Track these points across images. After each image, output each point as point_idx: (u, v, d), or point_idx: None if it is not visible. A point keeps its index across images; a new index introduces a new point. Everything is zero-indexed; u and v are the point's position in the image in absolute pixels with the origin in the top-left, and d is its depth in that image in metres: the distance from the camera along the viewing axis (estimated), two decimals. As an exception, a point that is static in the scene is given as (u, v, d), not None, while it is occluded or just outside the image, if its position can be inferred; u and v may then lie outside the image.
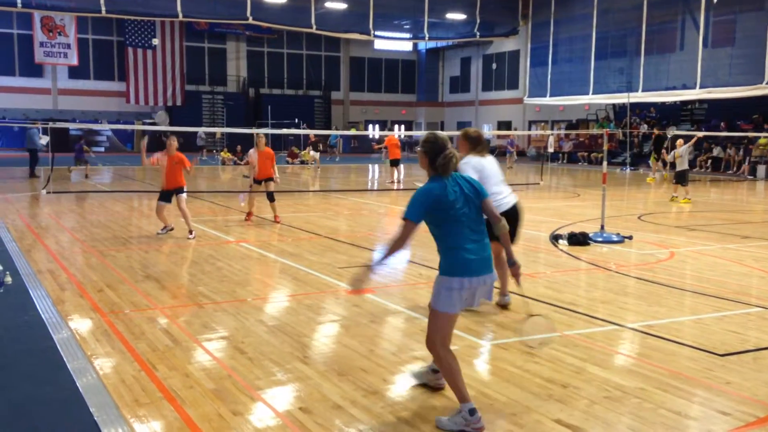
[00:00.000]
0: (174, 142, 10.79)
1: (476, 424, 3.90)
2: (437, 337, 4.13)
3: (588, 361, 5.16)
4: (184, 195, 10.96)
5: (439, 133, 4.28)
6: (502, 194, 6.45)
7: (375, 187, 23.42)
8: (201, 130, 31.99)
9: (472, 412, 3.93)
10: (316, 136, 31.43)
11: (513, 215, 6.38)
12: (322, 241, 10.71)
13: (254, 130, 13.41)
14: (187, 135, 34.57)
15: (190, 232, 10.81)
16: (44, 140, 23.25)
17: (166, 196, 10.89)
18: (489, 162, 6.53)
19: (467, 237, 4.06)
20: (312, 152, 30.89)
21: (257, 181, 12.64)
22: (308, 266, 8.65)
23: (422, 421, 4.07)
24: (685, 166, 16.93)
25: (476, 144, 6.54)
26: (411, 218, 4.02)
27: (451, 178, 4.11)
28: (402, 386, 4.69)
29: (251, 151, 12.74)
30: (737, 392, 4.55)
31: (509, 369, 4.99)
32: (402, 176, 22.87)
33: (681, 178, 16.89)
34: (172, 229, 11.09)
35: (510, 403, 4.34)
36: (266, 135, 13.42)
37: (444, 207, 4.03)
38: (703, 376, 4.87)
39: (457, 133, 7.57)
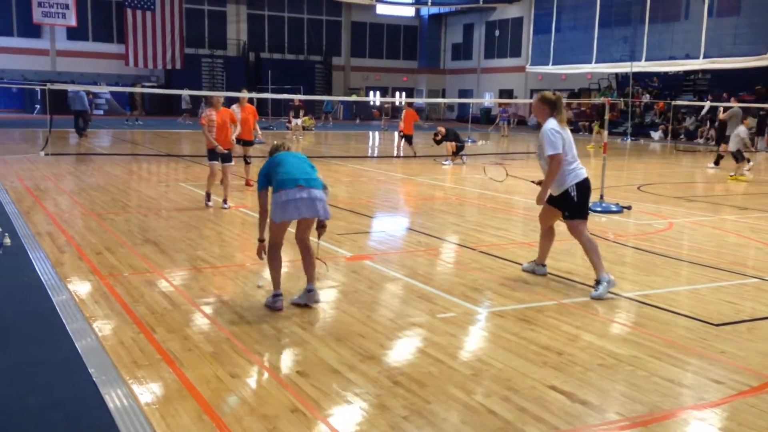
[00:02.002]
0: (221, 98, 10.55)
1: None
2: None
3: (583, 329, 5.19)
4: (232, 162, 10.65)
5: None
6: (578, 163, 6.30)
7: (375, 154, 23.35)
8: (186, 93, 31.45)
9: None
10: (300, 101, 28.37)
11: (588, 186, 6.31)
12: (321, 207, 10.69)
13: (240, 94, 12.76)
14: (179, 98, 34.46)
15: (225, 201, 10.46)
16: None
17: (216, 155, 10.38)
18: (566, 131, 6.31)
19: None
20: (294, 119, 27.40)
21: (238, 141, 11.70)
22: (307, 232, 8.65)
23: (419, 385, 4.10)
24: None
25: (554, 107, 6.28)
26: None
27: None
28: (399, 352, 4.72)
29: (234, 106, 11.71)
30: (731, 361, 4.59)
31: (505, 336, 5.02)
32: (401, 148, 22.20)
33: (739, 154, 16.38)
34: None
35: (505, 370, 4.38)
36: (268, 100, 13.04)
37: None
38: (698, 345, 4.91)
39: (486, 100, 7.52)
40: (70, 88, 24.93)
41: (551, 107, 6.29)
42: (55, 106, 20.41)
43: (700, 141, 30.61)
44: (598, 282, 6.07)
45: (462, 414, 3.76)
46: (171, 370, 4.27)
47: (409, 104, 22.01)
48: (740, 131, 16.15)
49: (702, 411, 3.88)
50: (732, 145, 16.12)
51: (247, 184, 12.59)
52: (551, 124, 6.21)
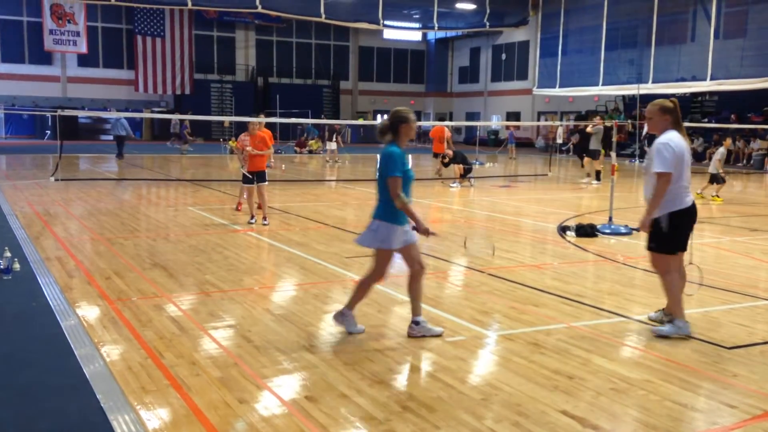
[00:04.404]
0: (256, 125, 11.13)
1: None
2: None
3: (594, 352, 5.14)
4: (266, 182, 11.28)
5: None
6: (687, 188, 5.55)
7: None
8: (175, 117, 31.62)
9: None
10: (335, 125, 29.37)
11: (689, 216, 5.58)
12: (329, 231, 10.71)
13: (251, 119, 12.69)
14: (194, 123, 34.54)
15: (266, 218, 11.13)
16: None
17: (250, 179, 11.06)
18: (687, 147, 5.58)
19: None
20: (329, 143, 28.21)
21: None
22: (315, 255, 8.66)
23: (428, 410, 4.06)
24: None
25: (676, 117, 5.49)
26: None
27: None
28: (408, 376, 4.69)
29: (242, 136, 11.29)
30: (744, 385, 4.53)
31: (515, 360, 4.98)
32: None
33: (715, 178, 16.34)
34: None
35: (515, 394, 4.34)
36: (275, 124, 12.99)
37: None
38: (711, 368, 4.85)
39: (493, 123, 7.43)
40: (81, 114, 25.09)
41: (673, 117, 5.48)
42: (65, 131, 20.54)
43: (708, 163, 30.51)
44: (670, 321, 5.55)
45: (472, 439, 3.72)
46: (179, 396, 4.25)
47: (440, 119, 22.43)
48: (720, 152, 16.22)
49: (716, 436, 3.82)
50: (712, 167, 16.13)
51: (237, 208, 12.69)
52: (670, 136, 5.43)
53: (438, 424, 3.89)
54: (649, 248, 5.61)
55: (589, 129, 20.04)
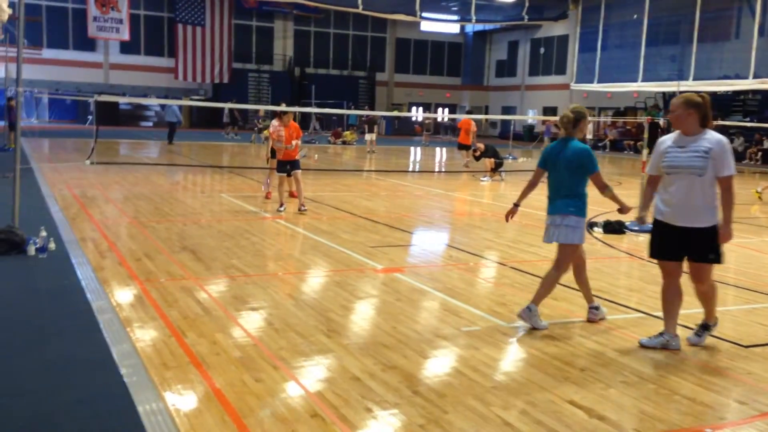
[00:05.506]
0: (291, 114, 11.40)
1: None
2: None
3: (608, 346, 5.18)
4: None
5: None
6: None
7: (416, 169, 23.45)
8: (227, 106, 31.91)
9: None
10: (368, 116, 30.16)
11: None
12: (356, 221, 10.84)
13: (286, 108, 12.63)
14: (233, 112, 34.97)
15: (303, 205, 11.33)
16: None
17: (285, 167, 11.33)
18: None
19: None
20: (368, 134, 28.45)
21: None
22: (340, 244, 8.79)
23: (438, 396, 4.16)
24: None
25: (703, 113, 5.04)
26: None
27: None
28: (421, 363, 4.78)
29: (275, 122, 11.63)
30: (757, 383, 4.54)
31: (529, 351, 5.04)
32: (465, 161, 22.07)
33: None
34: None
35: (525, 383, 4.41)
36: (311, 114, 12.93)
37: None
38: (725, 365, 4.86)
39: (529, 117, 7.42)
40: (121, 100, 25.58)
41: (700, 113, 5.02)
42: (106, 117, 20.98)
43: (750, 162, 29.95)
44: (706, 327, 5.32)
45: (478, 425, 3.81)
46: (198, 373, 4.41)
47: (469, 112, 22.39)
48: None
49: (720, 430, 3.85)
50: None
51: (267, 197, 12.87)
52: (722, 136, 5.01)
53: (446, 408, 3.99)
54: (710, 260, 5.02)
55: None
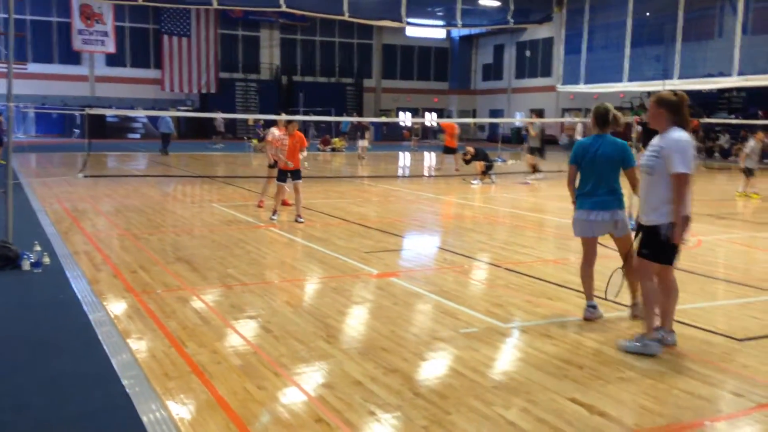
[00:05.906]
0: (296, 124, 11.33)
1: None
2: None
3: (606, 344, 5.23)
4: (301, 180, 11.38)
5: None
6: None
7: (406, 174, 23.52)
8: (219, 116, 31.87)
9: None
10: (360, 122, 30.27)
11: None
12: (350, 227, 10.87)
13: (287, 117, 12.72)
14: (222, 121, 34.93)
15: (300, 216, 11.18)
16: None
17: (285, 176, 11.25)
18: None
19: None
20: (360, 140, 28.54)
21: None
22: (335, 251, 8.82)
23: (440, 397, 4.19)
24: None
25: (674, 111, 4.97)
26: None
27: None
28: (421, 365, 4.82)
29: (275, 130, 11.88)
30: (753, 375, 4.60)
31: (527, 350, 5.09)
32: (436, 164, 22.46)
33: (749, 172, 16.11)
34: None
35: (525, 383, 4.45)
36: (298, 122, 12.91)
37: None
38: (720, 359, 4.92)
39: (517, 120, 7.48)
40: (108, 113, 25.51)
41: (670, 111, 4.94)
42: (93, 130, 20.96)
43: (736, 159, 30.20)
44: (640, 337, 5.06)
45: (481, 424, 3.85)
46: (200, 382, 4.42)
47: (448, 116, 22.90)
48: (749, 146, 15.98)
49: (719, 423, 3.91)
50: (749, 162, 15.93)
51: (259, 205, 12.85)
52: (682, 133, 4.90)
53: (449, 410, 4.02)
54: (641, 254, 5.01)
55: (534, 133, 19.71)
